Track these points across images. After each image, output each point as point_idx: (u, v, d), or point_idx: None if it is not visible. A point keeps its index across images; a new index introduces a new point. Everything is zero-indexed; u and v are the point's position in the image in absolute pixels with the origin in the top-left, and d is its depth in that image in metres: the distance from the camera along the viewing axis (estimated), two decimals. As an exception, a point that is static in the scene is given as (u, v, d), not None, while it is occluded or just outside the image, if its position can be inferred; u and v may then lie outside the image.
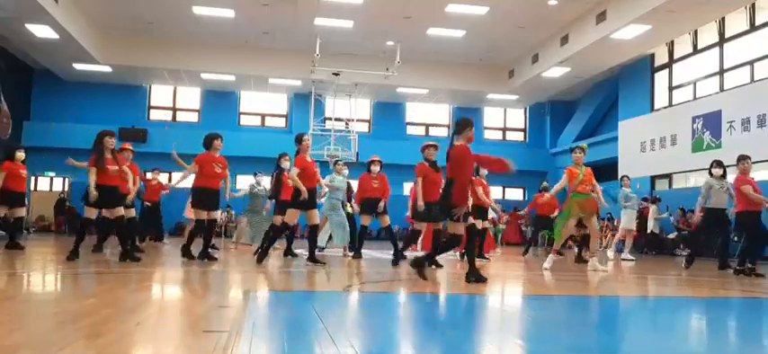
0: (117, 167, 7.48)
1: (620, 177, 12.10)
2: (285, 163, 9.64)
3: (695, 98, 16.40)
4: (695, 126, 15.79)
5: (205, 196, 7.83)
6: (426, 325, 3.85)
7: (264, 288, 5.47)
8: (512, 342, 3.31)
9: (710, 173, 9.11)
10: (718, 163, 9.15)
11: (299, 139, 7.87)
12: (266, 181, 11.27)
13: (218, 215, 8.46)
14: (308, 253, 7.76)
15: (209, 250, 8.05)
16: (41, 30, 16.15)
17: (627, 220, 12.16)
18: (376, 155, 10.09)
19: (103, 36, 18.90)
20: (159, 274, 6.23)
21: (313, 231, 7.77)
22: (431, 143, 8.00)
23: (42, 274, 6.29)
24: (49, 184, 21.07)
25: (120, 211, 7.54)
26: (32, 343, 2.72)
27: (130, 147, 9.53)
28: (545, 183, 12.40)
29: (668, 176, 17.42)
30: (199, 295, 4.90)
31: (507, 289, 6.31)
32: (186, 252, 7.89)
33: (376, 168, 9.74)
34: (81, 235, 7.49)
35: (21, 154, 9.68)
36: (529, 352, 3.05)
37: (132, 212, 9.61)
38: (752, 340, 3.69)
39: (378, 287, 5.87)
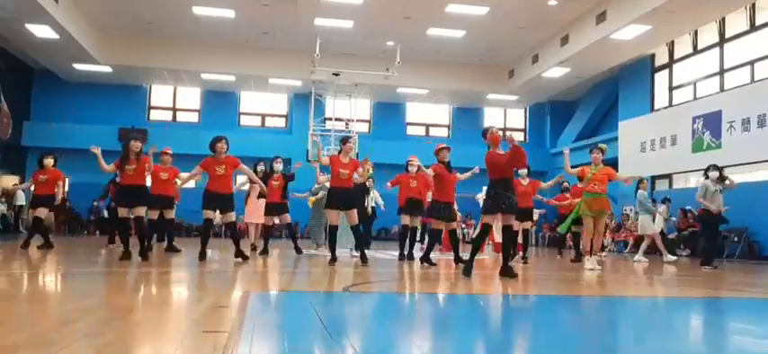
0: (134, 167, 7.67)
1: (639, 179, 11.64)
2: (278, 166, 9.88)
3: (695, 98, 16.41)
4: (695, 126, 15.79)
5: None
6: (427, 325, 3.85)
7: (264, 288, 5.47)
8: (513, 342, 3.31)
9: (706, 176, 9.40)
10: (715, 167, 9.43)
11: (344, 141, 8.13)
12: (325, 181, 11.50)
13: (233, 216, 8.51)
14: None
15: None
16: (41, 31, 16.16)
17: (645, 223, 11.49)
18: (414, 155, 10.00)
19: (103, 36, 18.91)
20: (159, 274, 6.23)
21: (355, 230, 7.99)
22: (444, 145, 8.42)
23: (42, 274, 6.29)
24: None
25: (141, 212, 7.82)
26: (32, 343, 2.72)
27: (170, 151, 9.66)
28: (566, 184, 12.22)
29: (668, 176, 17.43)
30: (199, 295, 4.90)
31: (508, 289, 6.31)
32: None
33: (413, 168, 9.64)
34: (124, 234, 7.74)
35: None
36: (528, 351, 3.05)
37: (171, 213, 9.80)
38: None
39: (378, 287, 5.87)
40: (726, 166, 15.11)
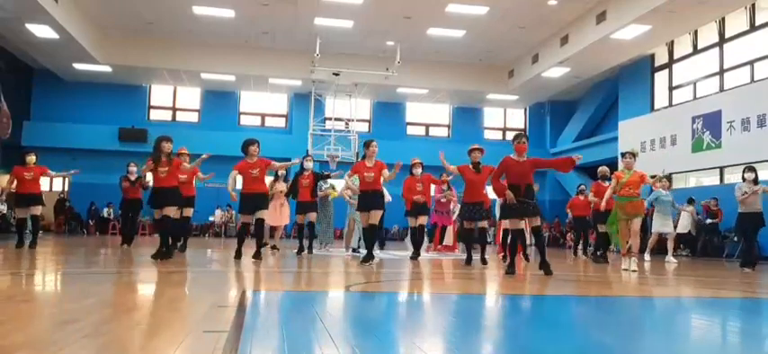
0: (167, 169, 7.63)
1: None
2: (308, 164, 9.95)
3: (695, 98, 16.41)
4: (695, 126, 15.80)
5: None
6: (427, 325, 3.85)
7: (264, 288, 5.47)
8: (513, 341, 3.31)
9: (743, 179, 9.49)
10: (750, 169, 9.51)
11: (366, 145, 8.25)
12: (338, 183, 11.57)
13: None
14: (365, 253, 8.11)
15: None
16: (41, 30, 16.16)
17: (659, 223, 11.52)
18: (417, 158, 10.06)
19: (103, 36, 18.91)
20: (159, 274, 6.23)
21: (371, 230, 8.07)
22: (477, 147, 8.49)
23: (42, 274, 6.29)
24: (49, 184, 21.02)
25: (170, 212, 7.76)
26: (32, 343, 2.72)
27: (185, 151, 9.55)
28: (582, 186, 12.51)
29: (668, 177, 17.41)
30: (199, 295, 4.90)
31: (510, 289, 6.31)
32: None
33: (418, 170, 9.79)
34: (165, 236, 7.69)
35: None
36: (528, 352, 3.05)
37: (190, 211, 9.80)
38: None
39: (379, 287, 5.87)
40: (725, 166, 15.16)
